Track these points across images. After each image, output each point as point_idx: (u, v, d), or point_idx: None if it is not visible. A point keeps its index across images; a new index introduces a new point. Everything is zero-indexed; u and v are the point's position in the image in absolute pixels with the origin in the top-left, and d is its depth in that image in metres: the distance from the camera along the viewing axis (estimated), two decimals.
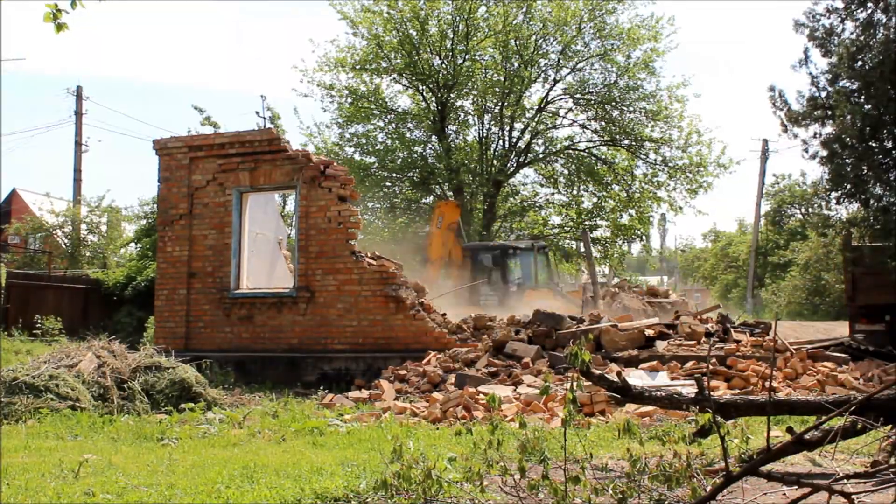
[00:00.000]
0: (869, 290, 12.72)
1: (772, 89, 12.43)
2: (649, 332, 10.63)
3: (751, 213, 40.83)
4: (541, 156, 26.69)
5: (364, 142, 26.40)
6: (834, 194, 12.52)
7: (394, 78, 26.04)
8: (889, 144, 11.61)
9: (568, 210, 27.36)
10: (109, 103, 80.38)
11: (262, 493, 4.60)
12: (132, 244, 28.06)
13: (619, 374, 7.57)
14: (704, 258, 50.90)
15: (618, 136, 25.73)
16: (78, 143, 34.16)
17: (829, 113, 11.71)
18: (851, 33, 11.94)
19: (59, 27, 4.71)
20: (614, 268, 27.98)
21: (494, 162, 25.45)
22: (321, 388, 10.99)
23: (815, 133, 12.08)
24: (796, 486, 3.87)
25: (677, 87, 25.42)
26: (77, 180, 33.87)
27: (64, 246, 31.20)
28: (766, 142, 38.11)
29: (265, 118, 27.45)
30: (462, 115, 26.66)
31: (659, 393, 5.92)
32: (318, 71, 26.16)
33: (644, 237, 27.60)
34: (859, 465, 5.03)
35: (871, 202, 11.78)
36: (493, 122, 26.21)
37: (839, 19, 12.03)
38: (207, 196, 13.20)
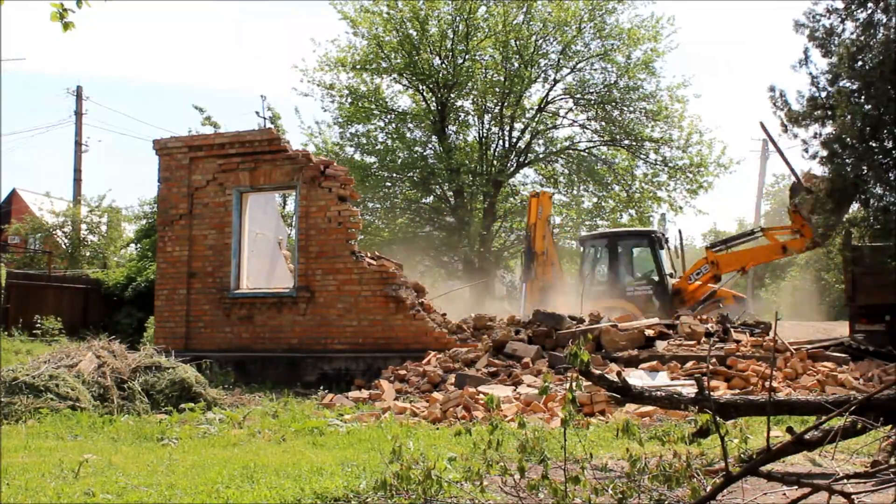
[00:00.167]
0: (869, 290, 12.72)
1: (772, 89, 12.41)
2: (649, 332, 10.64)
3: (751, 213, 40.89)
4: (541, 156, 26.68)
5: (364, 142, 26.41)
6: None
7: (394, 78, 26.04)
8: (889, 144, 11.60)
9: (568, 210, 27.36)
10: (109, 103, 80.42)
11: (262, 493, 4.60)
12: (132, 244, 28.07)
13: (619, 374, 7.57)
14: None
15: (618, 136, 25.73)
16: (78, 143, 34.18)
17: (829, 113, 11.70)
18: (851, 33, 11.93)
19: (66, 26, 4.73)
20: None
21: (494, 162, 25.44)
22: (321, 388, 11.00)
23: (816, 133, 12.07)
24: (796, 486, 3.87)
25: (677, 87, 25.45)
26: (77, 180, 33.89)
27: (64, 246, 31.20)
28: (766, 142, 38.11)
29: (265, 118, 27.48)
30: (462, 115, 26.67)
31: (659, 393, 5.92)
32: (318, 71, 26.20)
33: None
34: (859, 465, 5.02)
35: (871, 202, 11.77)
36: (493, 122, 26.21)
37: (839, 19, 12.02)
38: (207, 196, 13.20)
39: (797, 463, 5.28)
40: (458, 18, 24.58)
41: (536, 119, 26.05)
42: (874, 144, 11.52)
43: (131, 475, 5.22)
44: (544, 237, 17.63)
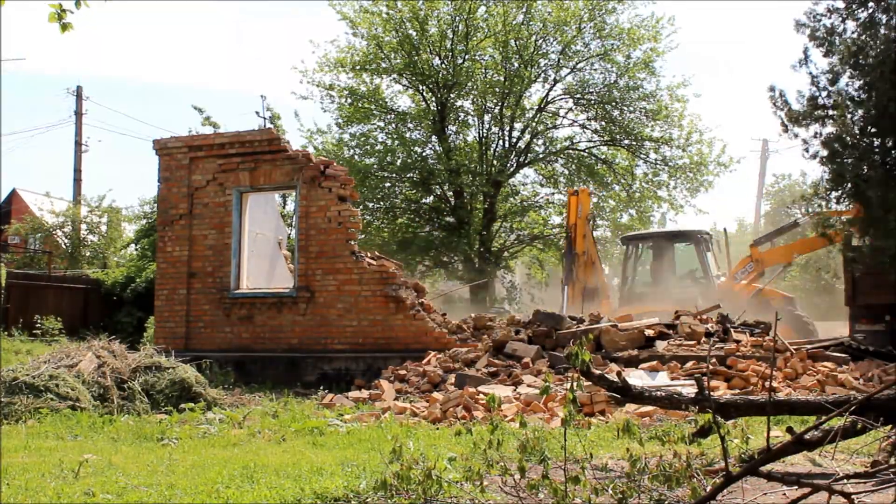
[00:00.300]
0: (869, 290, 12.72)
1: (772, 89, 12.39)
2: (649, 332, 10.63)
3: (751, 213, 40.90)
4: (541, 156, 26.66)
5: (364, 142, 26.39)
6: (834, 194, 12.50)
7: (394, 78, 26.02)
8: (889, 144, 11.59)
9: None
10: (109, 103, 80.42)
11: (262, 493, 4.60)
12: (132, 244, 28.06)
13: (619, 374, 7.57)
14: None
15: (618, 136, 25.72)
16: (78, 143, 34.18)
17: (830, 113, 11.70)
18: (852, 33, 11.92)
19: (64, 27, 4.73)
20: (614, 267, 27.96)
21: (494, 162, 25.42)
22: (321, 388, 11.00)
23: (816, 133, 12.07)
24: (796, 486, 3.86)
25: (677, 86, 25.42)
26: (77, 180, 33.89)
27: (64, 246, 31.20)
28: (766, 142, 38.19)
29: (265, 118, 27.43)
30: (462, 115, 26.64)
31: (659, 393, 5.92)
32: (318, 71, 26.17)
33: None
34: (859, 465, 5.02)
35: (872, 202, 11.75)
36: (493, 123, 26.19)
37: (840, 19, 12.01)
38: (207, 196, 13.20)
39: (797, 463, 5.28)
40: (457, 18, 24.56)
41: (536, 119, 26.04)
42: (874, 144, 11.52)
43: (131, 475, 5.22)
44: (584, 236, 17.20)
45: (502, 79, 25.04)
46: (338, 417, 8.10)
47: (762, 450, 4.29)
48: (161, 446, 6.61)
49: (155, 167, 13.66)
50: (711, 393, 6.35)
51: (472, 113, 26.51)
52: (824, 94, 11.97)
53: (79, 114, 34.17)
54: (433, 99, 25.56)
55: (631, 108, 25.53)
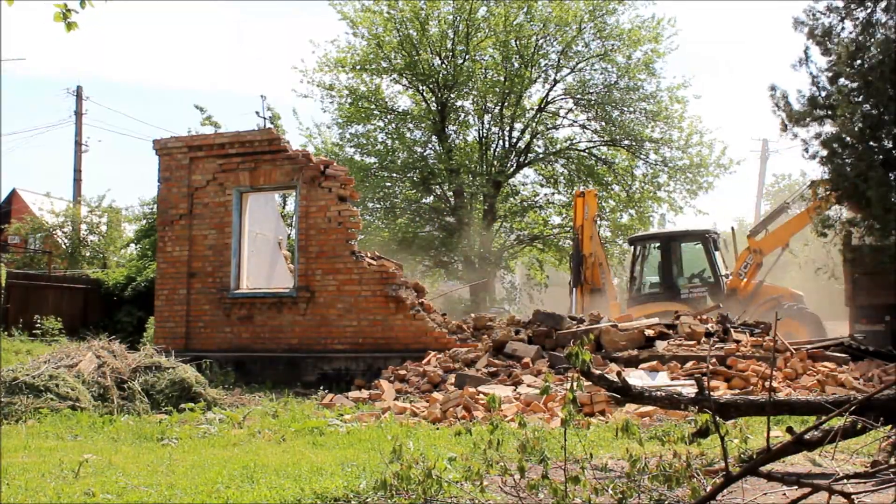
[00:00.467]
0: (869, 290, 12.72)
1: (772, 89, 12.41)
2: (649, 332, 10.63)
3: (751, 213, 40.88)
4: (541, 156, 26.67)
5: (364, 142, 26.39)
6: (834, 194, 12.50)
7: (394, 78, 26.02)
8: (889, 144, 11.60)
9: (568, 210, 27.33)
10: (109, 103, 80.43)
11: (262, 493, 4.60)
12: (132, 244, 28.03)
13: (619, 374, 7.56)
14: None
15: (618, 137, 25.71)
16: (78, 143, 34.17)
17: (829, 112, 11.70)
18: (851, 32, 11.94)
19: (70, 26, 4.74)
20: (614, 267, 27.94)
21: (494, 162, 25.43)
22: (321, 388, 11.00)
23: (816, 133, 12.07)
24: (796, 486, 3.86)
25: (678, 87, 25.43)
26: (77, 180, 33.88)
27: (64, 246, 31.18)
28: (766, 142, 38.19)
29: (265, 118, 27.41)
30: (462, 115, 26.64)
31: (659, 393, 5.92)
32: (318, 71, 26.17)
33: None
34: (859, 465, 5.02)
35: (872, 202, 11.75)
36: (493, 123, 26.19)
37: (839, 18, 12.02)
38: (207, 196, 13.20)
39: (797, 463, 5.28)
40: (458, 18, 24.57)
41: (536, 119, 26.04)
42: (874, 144, 11.52)
43: (131, 475, 5.22)
44: (591, 238, 17.18)
45: (502, 79, 25.05)
46: (338, 417, 8.10)
47: (762, 450, 4.29)
48: (161, 446, 6.61)
49: (155, 167, 13.67)
50: (711, 393, 6.36)
51: (472, 113, 26.52)
52: (824, 93, 11.98)
53: (79, 114, 34.17)
54: (433, 99, 25.56)
55: (631, 109, 25.54)
